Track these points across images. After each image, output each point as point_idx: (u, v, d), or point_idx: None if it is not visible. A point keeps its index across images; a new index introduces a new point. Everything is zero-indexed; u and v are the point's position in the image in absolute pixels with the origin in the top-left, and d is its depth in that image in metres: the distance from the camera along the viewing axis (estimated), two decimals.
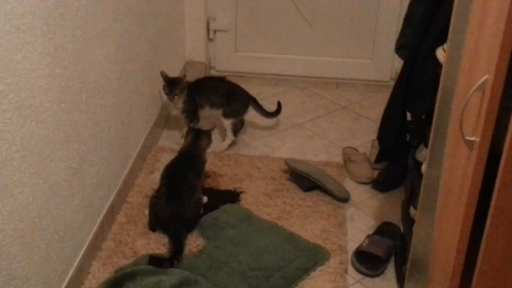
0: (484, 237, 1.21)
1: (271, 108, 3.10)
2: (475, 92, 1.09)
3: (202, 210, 2.44)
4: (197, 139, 2.54)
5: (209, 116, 3.04)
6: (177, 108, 2.94)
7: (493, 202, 1.15)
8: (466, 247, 1.30)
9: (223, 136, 2.99)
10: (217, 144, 2.95)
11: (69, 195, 1.99)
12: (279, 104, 3.06)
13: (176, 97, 2.85)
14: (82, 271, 2.11)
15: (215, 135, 3.03)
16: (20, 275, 1.70)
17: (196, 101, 2.93)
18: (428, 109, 2.03)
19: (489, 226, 1.17)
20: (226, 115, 2.93)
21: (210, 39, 3.56)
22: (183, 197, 2.34)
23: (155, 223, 2.37)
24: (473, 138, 1.13)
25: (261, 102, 3.05)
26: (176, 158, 2.53)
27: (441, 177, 1.47)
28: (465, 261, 1.33)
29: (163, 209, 2.34)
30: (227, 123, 2.94)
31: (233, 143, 2.97)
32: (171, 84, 2.84)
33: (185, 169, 2.42)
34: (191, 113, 2.94)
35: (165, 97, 2.98)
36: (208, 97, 2.94)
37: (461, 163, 1.24)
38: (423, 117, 2.20)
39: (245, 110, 2.98)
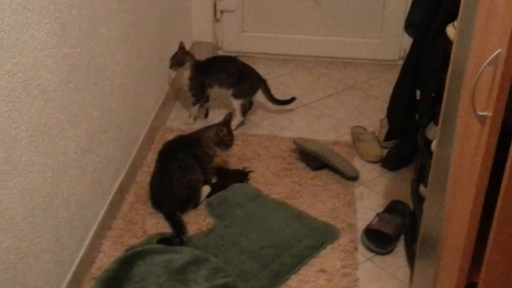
0: (495, 214, 1.20)
1: (280, 89, 3.09)
2: (487, 67, 1.08)
3: (200, 192, 2.41)
4: (209, 128, 2.49)
5: (217, 95, 3.03)
6: (184, 84, 2.95)
7: (505, 179, 1.14)
8: (477, 224, 1.30)
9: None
10: None
11: (79, 175, 2.00)
12: (292, 98, 3.03)
13: (173, 67, 2.90)
14: (93, 250, 2.13)
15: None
16: (31, 253, 1.71)
17: (204, 80, 2.93)
18: (438, 87, 2.02)
19: (501, 202, 1.17)
20: (235, 96, 2.92)
21: (217, 20, 3.54)
22: (172, 177, 2.33)
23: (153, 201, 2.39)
24: (485, 113, 1.12)
25: (269, 83, 3.04)
26: (173, 138, 2.53)
27: (452, 154, 1.46)
28: (476, 238, 1.33)
29: (155, 187, 2.37)
30: (236, 103, 2.93)
31: (241, 123, 2.96)
32: (173, 55, 2.90)
33: (178, 149, 2.40)
34: (198, 91, 2.94)
35: (172, 76, 3.01)
36: (218, 76, 2.92)
37: (472, 140, 1.23)
38: (433, 95, 2.19)
39: (255, 91, 2.97)
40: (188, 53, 2.94)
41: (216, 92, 2.98)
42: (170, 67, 2.91)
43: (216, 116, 3.00)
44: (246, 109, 3.00)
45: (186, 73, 2.91)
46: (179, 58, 2.88)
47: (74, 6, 1.87)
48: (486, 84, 1.13)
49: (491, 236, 1.22)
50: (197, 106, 2.98)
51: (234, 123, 2.93)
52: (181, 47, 2.90)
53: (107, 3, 2.14)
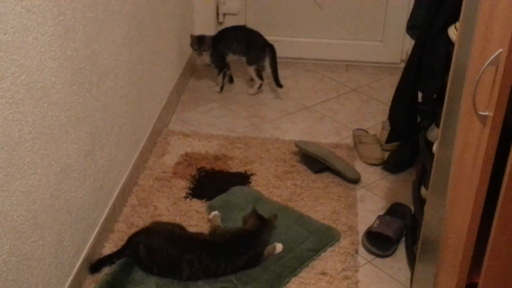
0: (496, 214, 1.21)
1: (282, 92, 3.19)
2: (488, 66, 1.09)
3: None
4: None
5: (233, 60, 3.27)
6: (206, 61, 3.28)
7: (505, 179, 1.14)
8: (478, 224, 1.30)
9: (250, 82, 3.31)
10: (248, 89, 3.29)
11: (81, 177, 2.00)
12: (281, 85, 3.23)
13: (204, 52, 3.20)
14: (94, 253, 2.13)
15: (242, 81, 3.29)
16: (33, 256, 1.72)
17: (220, 50, 3.21)
18: (440, 89, 2.02)
19: (501, 202, 1.17)
20: (248, 62, 3.20)
21: (219, 23, 3.55)
22: None
23: None
24: (486, 113, 1.12)
25: (271, 86, 3.11)
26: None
27: (453, 155, 1.46)
28: (476, 241, 1.33)
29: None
30: (251, 69, 3.21)
31: (261, 86, 3.25)
32: (199, 41, 3.18)
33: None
34: (219, 62, 3.24)
35: (175, 80, 3.01)
36: (229, 44, 3.21)
37: (474, 140, 1.23)
38: (434, 96, 2.19)
39: (264, 56, 3.19)
40: (208, 37, 3.20)
41: (232, 58, 3.25)
42: (201, 54, 3.21)
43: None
44: (261, 73, 3.23)
45: (208, 51, 3.19)
46: (208, 43, 3.17)
47: (78, 9, 1.88)
48: (487, 84, 1.13)
49: (491, 236, 1.22)
50: (221, 75, 3.27)
51: (255, 87, 3.26)
52: (194, 36, 3.18)
53: (109, 6, 2.15)
